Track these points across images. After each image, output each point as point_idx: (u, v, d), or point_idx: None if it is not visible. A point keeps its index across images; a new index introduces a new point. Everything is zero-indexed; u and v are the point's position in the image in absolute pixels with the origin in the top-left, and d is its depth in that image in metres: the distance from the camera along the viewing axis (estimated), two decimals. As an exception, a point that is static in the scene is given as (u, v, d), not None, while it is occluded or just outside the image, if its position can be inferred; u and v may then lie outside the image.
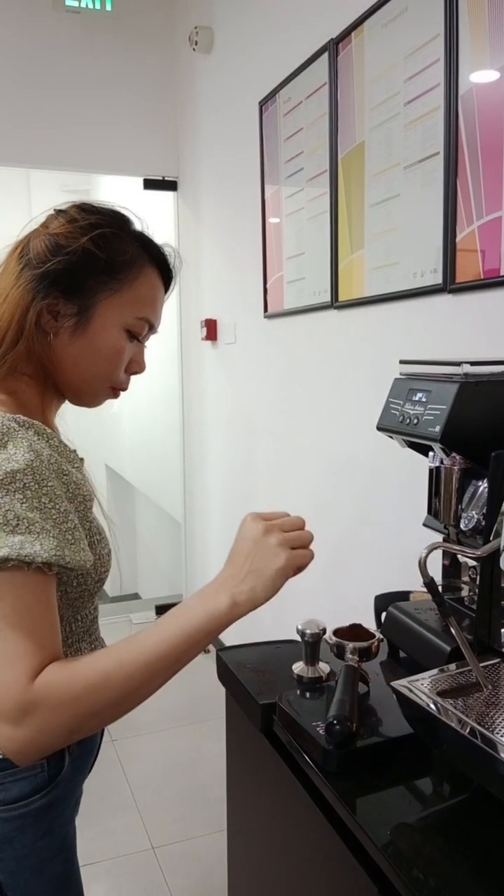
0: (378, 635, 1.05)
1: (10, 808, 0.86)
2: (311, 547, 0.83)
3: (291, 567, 0.80)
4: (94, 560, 0.84)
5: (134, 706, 0.76)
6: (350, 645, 1.02)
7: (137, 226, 0.93)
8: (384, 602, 1.27)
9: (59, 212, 0.90)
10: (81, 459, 0.93)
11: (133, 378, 0.97)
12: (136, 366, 0.94)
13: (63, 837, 0.94)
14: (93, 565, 0.84)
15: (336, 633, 1.06)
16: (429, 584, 0.85)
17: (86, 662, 0.75)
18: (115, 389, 0.94)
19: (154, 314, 0.93)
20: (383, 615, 1.26)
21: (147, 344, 0.96)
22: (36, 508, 0.75)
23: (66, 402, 0.97)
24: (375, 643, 1.03)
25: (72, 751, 0.91)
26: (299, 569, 0.81)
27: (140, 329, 0.91)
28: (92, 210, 0.90)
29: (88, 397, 0.94)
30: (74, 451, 0.89)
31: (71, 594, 0.85)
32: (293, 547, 0.80)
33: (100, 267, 0.87)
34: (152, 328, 0.94)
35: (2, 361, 0.86)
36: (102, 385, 0.92)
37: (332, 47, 2.05)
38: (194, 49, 3.12)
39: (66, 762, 0.90)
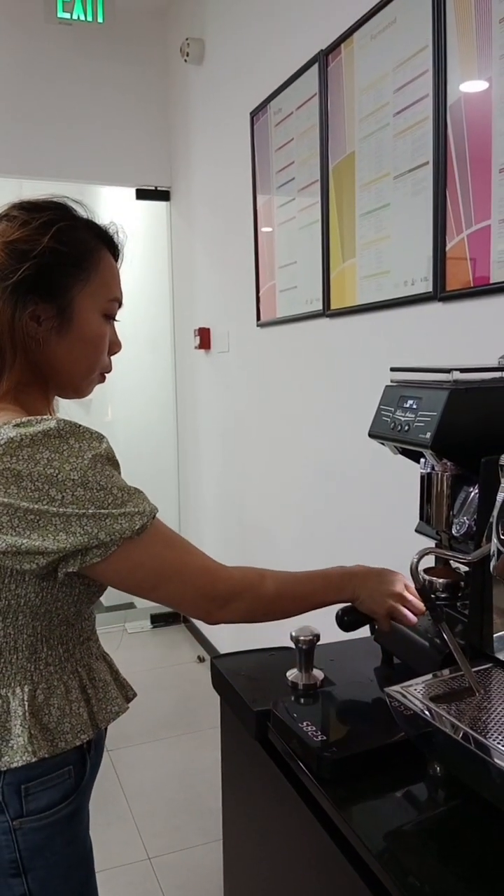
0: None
1: (42, 818, 0.88)
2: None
3: (379, 617, 1.03)
4: None
5: (281, 618, 0.97)
6: (440, 581, 1.06)
7: (80, 211, 0.94)
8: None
9: (1, 216, 0.89)
10: None
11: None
12: (116, 346, 0.97)
13: (85, 844, 0.97)
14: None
15: (427, 571, 1.09)
16: (420, 589, 0.86)
17: (269, 574, 0.95)
18: (102, 374, 0.97)
19: (119, 291, 0.95)
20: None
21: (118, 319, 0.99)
22: (120, 478, 0.83)
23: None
24: (457, 582, 1.06)
25: (91, 754, 0.93)
26: (393, 618, 1.04)
27: (113, 310, 0.94)
28: (37, 207, 0.90)
29: (84, 388, 0.96)
30: None
31: (82, 591, 0.89)
32: (394, 617, 1.03)
33: (67, 262, 0.88)
34: (120, 305, 0.96)
35: (7, 377, 0.87)
36: (95, 373, 0.95)
37: (322, 58, 2.07)
38: (186, 60, 3.15)
39: (87, 766, 0.93)
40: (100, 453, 0.81)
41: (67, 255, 0.87)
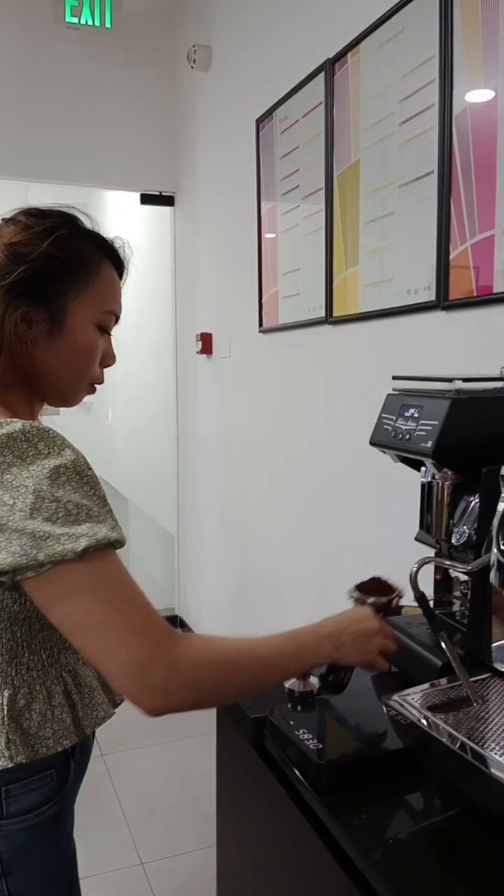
0: (398, 590, 1.04)
1: (25, 819, 0.87)
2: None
3: (372, 664, 0.94)
4: None
5: (240, 700, 0.92)
6: (369, 600, 1.02)
7: (87, 223, 0.94)
8: (376, 616, 1.28)
9: (7, 220, 0.90)
10: None
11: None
12: (109, 358, 0.96)
13: (69, 847, 0.96)
14: None
15: (358, 587, 1.06)
16: (419, 598, 0.86)
17: (224, 639, 0.83)
18: (93, 385, 0.96)
19: (118, 305, 0.95)
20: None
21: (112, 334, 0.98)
22: (87, 496, 0.77)
23: (45, 409, 0.99)
24: (395, 598, 1.03)
25: (76, 758, 0.92)
26: (374, 667, 0.96)
27: (108, 322, 0.94)
28: (42, 214, 0.91)
29: (71, 397, 0.95)
30: None
31: None
32: (382, 652, 0.95)
33: (64, 269, 0.88)
34: (117, 319, 0.96)
35: None
36: (83, 383, 0.94)
37: (329, 67, 2.08)
38: (192, 67, 3.16)
39: (71, 769, 0.92)
40: (64, 464, 0.77)
41: (64, 261, 0.88)
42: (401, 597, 1.05)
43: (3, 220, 0.91)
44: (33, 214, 0.90)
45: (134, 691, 0.74)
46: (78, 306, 0.89)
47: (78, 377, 0.93)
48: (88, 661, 0.77)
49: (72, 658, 0.93)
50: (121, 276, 0.97)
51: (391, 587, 1.05)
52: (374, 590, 1.04)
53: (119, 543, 0.78)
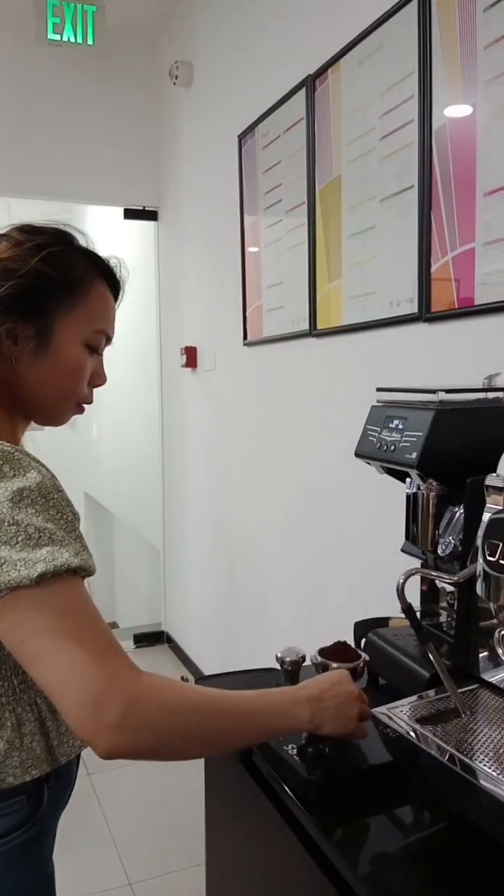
0: (364, 656, 1.04)
1: None
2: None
3: (352, 732, 0.88)
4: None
5: (204, 754, 0.82)
6: (334, 665, 1.01)
7: (81, 241, 0.94)
8: (364, 628, 1.27)
9: (0, 236, 0.90)
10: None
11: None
12: (98, 378, 0.95)
13: (45, 873, 0.93)
14: None
15: (321, 652, 1.05)
16: (406, 609, 0.86)
17: (192, 685, 0.78)
18: (80, 404, 0.95)
19: (109, 325, 0.94)
20: (363, 641, 1.26)
21: (104, 354, 0.97)
22: (51, 520, 0.75)
23: (31, 425, 0.97)
24: (361, 664, 1.03)
25: (50, 784, 0.89)
26: (354, 736, 0.90)
27: (98, 342, 0.92)
28: (35, 230, 0.90)
29: (56, 416, 0.94)
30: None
31: None
32: (362, 718, 0.89)
33: (53, 286, 0.87)
34: (109, 339, 0.95)
35: None
36: (69, 402, 0.93)
37: (310, 83, 2.10)
38: (174, 83, 3.18)
39: (45, 796, 0.88)
40: (28, 486, 0.75)
41: (55, 278, 0.87)
42: (366, 661, 1.05)
43: None
44: (26, 231, 0.89)
45: (87, 727, 0.69)
46: (66, 324, 0.88)
47: (63, 396, 0.91)
48: (50, 696, 0.71)
49: None
50: (116, 296, 0.96)
51: (356, 652, 1.04)
52: (339, 655, 1.03)
53: (82, 570, 0.75)
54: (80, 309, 0.89)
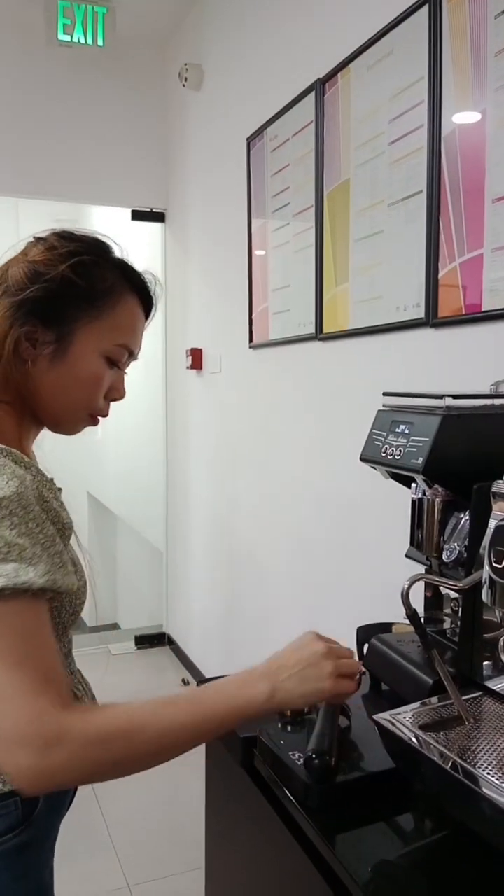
0: (361, 667, 1.04)
1: None
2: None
3: (332, 692, 0.82)
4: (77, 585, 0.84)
5: (150, 767, 0.76)
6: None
7: (118, 253, 0.93)
8: (366, 634, 1.27)
9: (38, 239, 0.90)
10: (59, 489, 0.93)
11: (116, 406, 0.96)
12: (116, 392, 0.93)
13: (39, 881, 0.90)
14: (66, 597, 0.83)
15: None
16: (411, 615, 0.85)
17: (120, 708, 0.75)
18: (95, 416, 0.93)
19: (134, 341, 0.92)
20: (365, 647, 1.25)
21: (127, 371, 0.96)
22: (25, 534, 0.73)
23: (43, 430, 0.96)
24: (358, 676, 1.02)
25: None
26: (339, 695, 0.84)
27: (119, 356, 0.91)
28: (72, 237, 0.89)
29: (68, 425, 0.93)
30: (51, 479, 0.87)
31: None
32: (341, 674, 0.83)
33: (79, 294, 0.86)
34: (132, 355, 0.93)
35: None
36: (82, 412, 0.91)
37: (319, 87, 2.10)
38: (184, 85, 3.19)
39: (40, 800, 0.87)
40: (7, 496, 0.73)
41: (81, 287, 0.86)
42: (364, 672, 1.04)
43: (34, 238, 0.90)
44: (63, 237, 0.89)
45: (8, 765, 0.68)
46: (87, 334, 0.87)
47: (75, 405, 0.90)
48: None
49: None
50: (148, 313, 0.95)
51: None
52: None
53: (48, 591, 0.73)
54: (104, 321, 0.88)
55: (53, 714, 0.69)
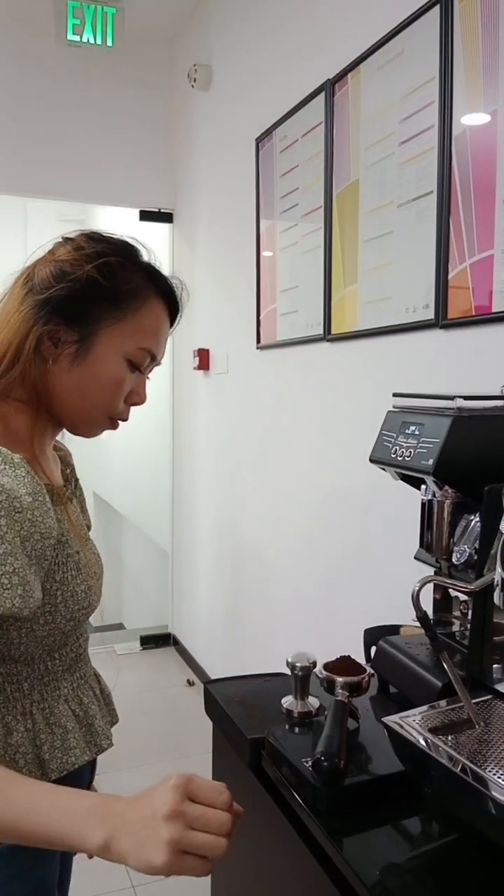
0: (369, 670, 1.04)
1: None
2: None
3: (166, 871, 0.62)
4: (63, 599, 0.84)
5: None
6: (340, 679, 1.01)
7: (145, 257, 0.92)
8: (374, 636, 1.26)
9: (66, 239, 0.89)
10: (67, 488, 0.92)
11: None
12: (136, 396, 0.92)
13: (36, 880, 0.89)
14: (62, 604, 0.84)
15: (326, 666, 1.05)
16: (422, 618, 0.85)
17: None
18: (114, 420, 0.92)
19: (156, 345, 0.91)
20: (372, 649, 1.25)
21: (149, 376, 0.95)
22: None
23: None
24: (366, 678, 1.02)
25: None
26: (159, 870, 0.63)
27: (141, 359, 0.90)
28: (100, 239, 0.89)
29: (85, 426, 0.92)
30: (46, 484, 0.85)
31: (39, 633, 0.83)
32: (187, 850, 0.63)
33: (103, 295, 0.85)
34: (154, 359, 0.92)
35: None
36: (100, 414, 0.90)
37: (329, 87, 2.10)
38: (193, 86, 3.19)
39: None
40: None
41: (106, 288, 0.85)
42: (372, 676, 1.04)
43: (63, 238, 0.90)
44: (92, 238, 0.89)
45: None
46: (109, 336, 0.86)
47: (93, 407, 0.89)
48: None
49: (50, 695, 0.88)
50: (173, 319, 0.94)
51: (361, 667, 1.04)
52: (344, 669, 1.03)
53: None
54: (128, 323, 0.87)
55: None
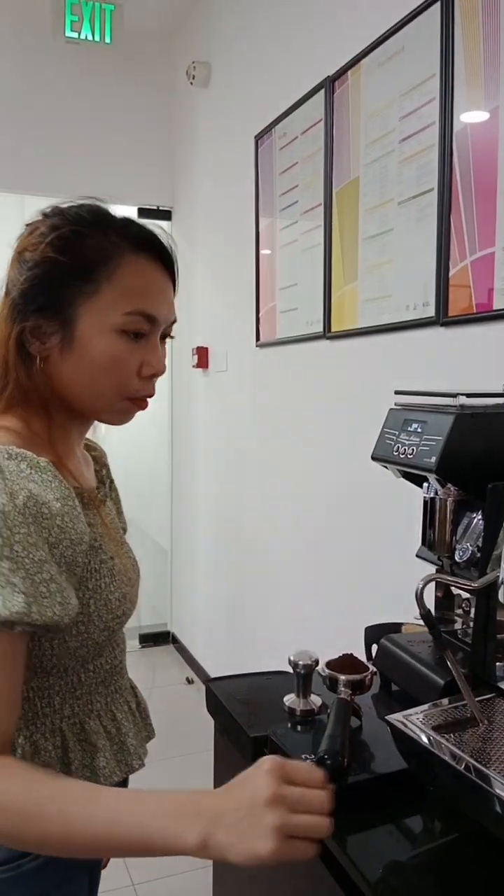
0: (371, 667, 1.03)
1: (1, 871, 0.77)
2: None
3: (273, 858, 0.60)
4: (96, 609, 0.79)
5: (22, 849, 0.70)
6: (343, 678, 1.00)
7: (113, 214, 0.83)
8: (374, 633, 1.26)
9: (26, 226, 0.82)
10: (100, 489, 0.89)
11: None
12: (148, 367, 0.82)
13: None
14: (95, 613, 0.79)
15: (328, 664, 1.04)
16: (425, 615, 0.85)
17: (29, 784, 0.66)
18: (135, 399, 0.84)
19: (148, 303, 0.80)
20: (373, 647, 1.25)
21: (168, 338, 0.86)
22: (6, 558, 0.68)
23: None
24: (369, 676, 1.02)
25: None
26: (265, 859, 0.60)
27: (136, 325, 0.80)
28: (53, 213, 0.81)
29: (106, 414, 0.85)
30: (75, 487, 0.80)
31: (71, 644, 0.79)
32: (293, 835, 0.60)
33: (66, 271, 0.77)
34: (153, 319, 0.81)
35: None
36: (114, 397, 0.82)
37: (329, 84, 2.09)
38: (192, 83, 3.18)
39: None
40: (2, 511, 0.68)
41: (65, 264, 0.77)
42: (375, 674, 1.03)
43: (25, 225, 0.83)
44: (47, 214, 0.81)
45: None
46: (89, 312, 0.78)
47: (102, 391, 0.81)
48: None
49: (82, 709, 0.83)
50: (169, 269, 0.83)
51: (363, 665, 1.03)
52: (347, 667, 1.02)
53: (12, 624, 0.67)
54: (104, 293, 0.78)
55: None
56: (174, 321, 0.85)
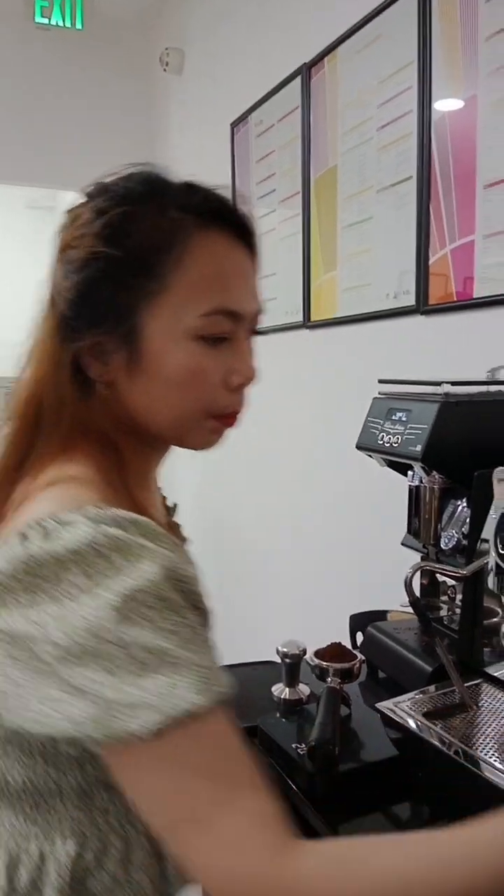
0: (360, 656, 1.04)
1: None
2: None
3: None
4: None
5: None
6: (332, 667, 1.01)
7: (169, 181, 0.66)
8: (360, 621, 1.27)
9: (67, 213, 0.66)
10: (172, 513, 0.78)
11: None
12: (237, 376, 0.67)
13: None
14: None
15: (317, 653, 1.05)
16: (414, 603, 0.85)
17: (371, 853, 0.52)
18: (224, 417, 0.69)
19: (228, 297, 0.64)
20: (358, 634, 1.25)
21: (254, 334, 0.71)
22: (167, 633, 0.54)
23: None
24: (357, 664, 1.02)
25: None
26: None
27: (218, 328, 0.64)
28: (97, 191, 0.64)
29: (191, 438, 0.69)
30: (182, 540, 0.67)
31: None
32: None
33: (121, 269, 0.61)
34: (236, 317, 0.65)
35: (47, 441, 0.64)
36: (197, 418, 0.67)
37: (305, 71, 2.08)
38: (165, 70, 3.14)
39: None
40: (142, 586, 0.53)
41: (120, 259, 0.61)
42: (363, 662, 1.04)
43: (66, 213, 0.67)
44: (90, 195, 0.65)
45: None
46: (156, 317, 0.62)
47: (183, 413, 0.65)
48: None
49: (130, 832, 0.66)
50: (248, 243, 0.67)
51: (351, 653, 1.04)
52: (335, 656, 1.03)
53: (203, 708, 0.52)
54: (173, 288, 0.61)
55: (285, 854, 0.51)
56: (261, 312, 0.69)
